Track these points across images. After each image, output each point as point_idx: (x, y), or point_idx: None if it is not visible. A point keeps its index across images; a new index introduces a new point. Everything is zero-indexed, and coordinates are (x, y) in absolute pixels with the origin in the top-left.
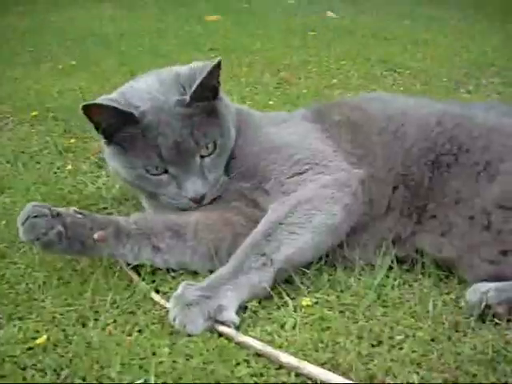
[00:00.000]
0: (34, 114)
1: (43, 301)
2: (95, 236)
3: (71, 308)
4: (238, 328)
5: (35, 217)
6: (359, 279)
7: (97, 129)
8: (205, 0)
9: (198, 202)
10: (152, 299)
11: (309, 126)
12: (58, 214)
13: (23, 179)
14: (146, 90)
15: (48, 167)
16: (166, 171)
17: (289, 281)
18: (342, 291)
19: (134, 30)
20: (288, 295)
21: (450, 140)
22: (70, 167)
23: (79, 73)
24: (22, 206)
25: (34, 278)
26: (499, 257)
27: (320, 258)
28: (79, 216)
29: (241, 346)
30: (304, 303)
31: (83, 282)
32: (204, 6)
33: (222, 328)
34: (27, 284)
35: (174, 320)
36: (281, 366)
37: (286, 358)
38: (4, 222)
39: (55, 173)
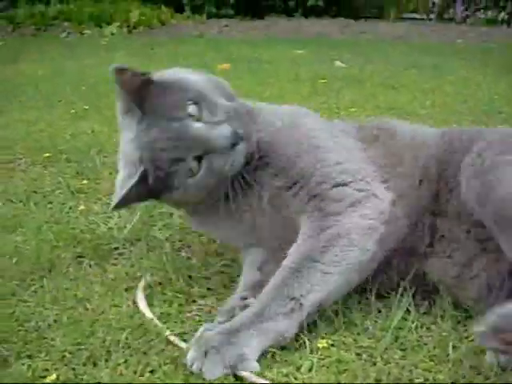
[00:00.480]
0: (46, 155)
1: (53, 339)
2: None
3: (82, 347)
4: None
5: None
6: (376, 321)
7: None
8: (215, 51)
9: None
10: (167, 339)
11: (351, 140)
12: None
13: (35, 218)
14: None
15: (60, 207)
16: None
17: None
18: (358, 334)
19: None
20: (304, 337)
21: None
22: (82, 207)
23: (91, 116)
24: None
25: (45, 317)
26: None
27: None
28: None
29: None
30: (320, 345)
31: (94, 321)
32: (215, 55)
33: (243, 373)
34: (37, 322)
35: (192, 365)
36: None
37: None
38: (15, 260)
39: (67, 213)
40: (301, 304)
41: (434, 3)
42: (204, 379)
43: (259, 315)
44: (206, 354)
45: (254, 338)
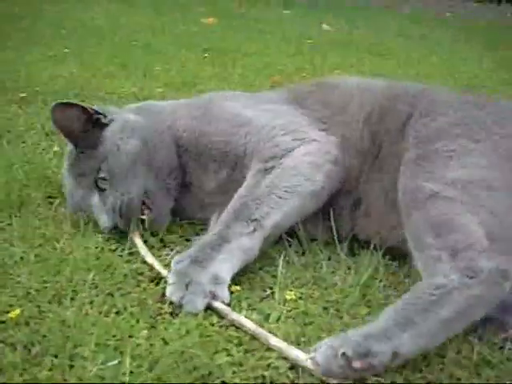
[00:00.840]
0: (22, 95)
1: (18, 276)
2: None
3: (47, 285)
4: (228, 305)
5: None
6: (344, 278)
7: None
8: (202, 4)
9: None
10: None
11: (279, 104)
12: None
13: (7, 156)
14: None
15: (33, 147)
16: None
17: (273, 274)
18: (326, 288)
19: (128, 25)
20: (271, 288)
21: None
22: (55, 149)
23: (71, 60)
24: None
25: (11, 253)
26: None
27: (303, 253)
28: None
29: (232, 323)
30: (288, 297)
31: (62, 260)
32: (201, 9)
33: (217, 304)
34: (3, 258)
35: (171, 297)
36: (261, 358)
37: (275, 341)
38: None
39: (40, 153)
40: (261, 225)
41: None
42: (175, 315)
43: (224, 238)
44: (187, 286)
45: (225, 262)
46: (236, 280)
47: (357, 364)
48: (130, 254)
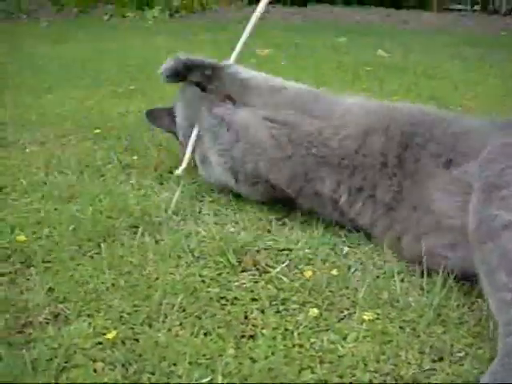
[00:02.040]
0: (96, 131)
1: (111, 301)
2: None
3: (139, 309)
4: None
5: None
6: (419, 299)
7: None
8: (256, 36)
9: None
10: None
11: None
12: None
13: (89, 190)
14: None
15: (112, 180)
16: None
17: (348, 296)
18: (401, 309)
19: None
20: (348, 309)
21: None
22: (132, 181)
23: (137, 97)
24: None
25: (102, 280)
26: None
27: (377, 277)
28: None
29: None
30: (366, 317)
31: (150, 286)
32: (255, 41)
33: None
34: (95, 285)
35: None
36: (343, 375)
37: None
38: (72, 228)
39: (119, 186)
40: None
41: None
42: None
43: None
44: None
45: None
46: (313, 303)
47: None
48: (211, 279)
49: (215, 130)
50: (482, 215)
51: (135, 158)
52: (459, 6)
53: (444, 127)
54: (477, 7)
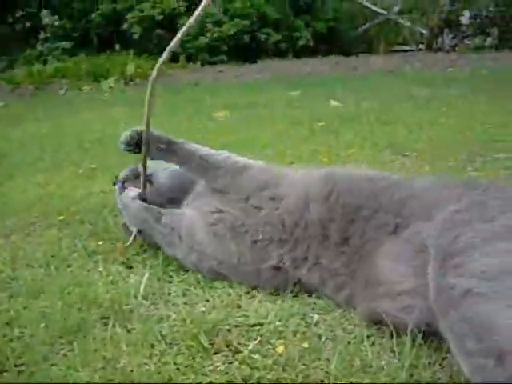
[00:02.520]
0: (60, 218)
1: None
2: None
3: None
4: None
5: None
6: (390, 361)
7: None
8: (211, 97)
9: None
10: None
11: None
12: None
13: (57, 283)
14: None
15: (79, 270)
16: None
17: (322, 367)
18: (374, 373)
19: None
20: (322, 381)
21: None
22: (100, 269)
23: (99, 176)
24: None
25: (77, 378)
26: None
27: (348, 342)
28: None
29: None
30: None
31: (125, 379)
32: (211, 101)
33: None
34: None
35: None
36: None
37: None
38: (43, 325)
39: (87, 275)
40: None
41: (422, 34)
42: None
43: None
44: None
45: None
46: (288, 378)
47: None
48: (186, 366)
49: (170, 240)
50: (441, 284)
51: (100, 243)
52: (405, 47)
53: (391, 194)
54: (422, 46)
